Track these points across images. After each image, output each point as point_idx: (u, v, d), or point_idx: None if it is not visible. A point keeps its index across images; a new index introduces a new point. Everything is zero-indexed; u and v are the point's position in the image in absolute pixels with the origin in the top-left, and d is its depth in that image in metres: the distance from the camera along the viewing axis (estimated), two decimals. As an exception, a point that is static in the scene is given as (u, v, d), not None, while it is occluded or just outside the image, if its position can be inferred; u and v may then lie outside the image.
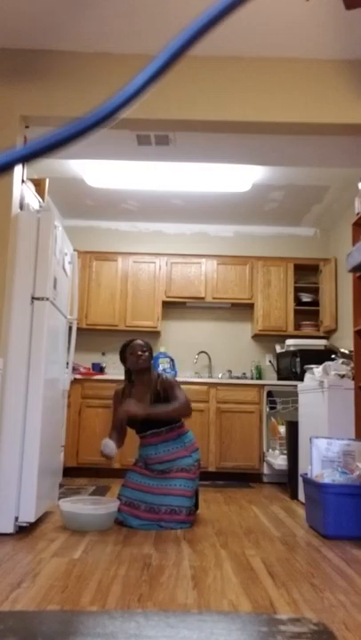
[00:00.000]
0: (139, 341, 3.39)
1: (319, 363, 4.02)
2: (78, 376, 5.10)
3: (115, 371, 5.71)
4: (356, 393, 3.52)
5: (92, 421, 5.02)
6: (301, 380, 4.43)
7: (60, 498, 3.50)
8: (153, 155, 3.93)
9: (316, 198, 5.17)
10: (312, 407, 3.85)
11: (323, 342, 5.41)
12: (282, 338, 5.63)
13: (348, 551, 2.65)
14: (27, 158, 0.47)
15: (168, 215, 5.74)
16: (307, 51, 3.10)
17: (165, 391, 3.27)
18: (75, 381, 5.00)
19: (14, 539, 2.69)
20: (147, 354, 3.34)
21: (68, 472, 4.86)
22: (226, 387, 5.15)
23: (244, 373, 5.75)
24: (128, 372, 3.41)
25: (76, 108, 3.10)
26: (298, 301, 5.67)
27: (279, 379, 5.51)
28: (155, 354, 5.59)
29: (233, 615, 1.77)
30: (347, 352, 3.95)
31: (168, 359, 5.51)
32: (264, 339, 5.84)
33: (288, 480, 4.28)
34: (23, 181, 3.21)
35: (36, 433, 2.85)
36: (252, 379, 5.64)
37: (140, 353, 3.31)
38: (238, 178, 4.70)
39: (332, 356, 4.19)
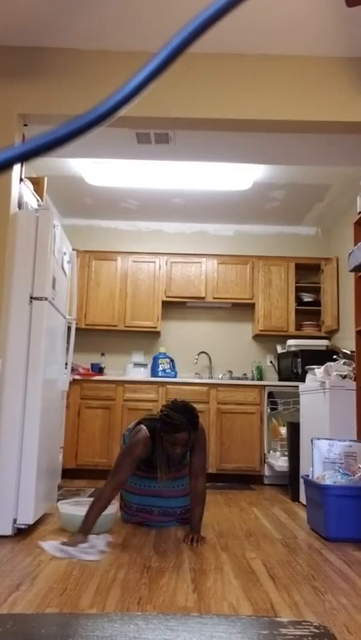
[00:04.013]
0: (184, 435, 2.76)
1: (321, 363, 4.00)
2: (77, 377, 5.08)
3: (114, 371, 5.69)
4: (358, 394, 3.50)
5: (92, 422, 5.01)
6: (303, 380, 4.41)
7: (58, 500, 3.49)
8: (153, 153, 3.92)
9: (318, 197, 5.16)
10: (313, 408, 3.84)
11: (324, 342, 5.40)
12: (283, 338, 5.61)
13: (350, 553, 2.63)
14: (25, 157, 0.46)
15: (168, 214, 5.72)
16: (308, 48, 3.08)
17: (194, 446, 2.91)
18: (74, 382, 4.98)
19: (13, 541, 2.67)
20: (188, 447, 2.83)
21: (67, 474, 4.83)
22: (226, 387, 5.14)
23: (245, 374, 5.73)
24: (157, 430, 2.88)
25: (74, 106, 3.08)
26: (299, 301, 5.65)
27: (280, 379, 5.49)
28: (155, 354, 5.59)
29: (233, 618, 1.75)
30: (348, 352, 3.93)
31: (168, 360, 5.49)
32: (265, 339, 5.82)
33: (289, 482, 4.26)
34: (21, 180, 3.19)
35: (35, 434, 2.84)
36: (252, 379, 5.62)
37: (179, 451, 2.81)
38: (239, 176, 4.68)
39: (334, 356, 4.17)
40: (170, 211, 5.61)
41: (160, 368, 5.42)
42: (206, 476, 2.98)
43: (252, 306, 5.74)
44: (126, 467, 2.77)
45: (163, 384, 5.11)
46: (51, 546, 2.50)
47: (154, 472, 2.95)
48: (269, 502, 4.05)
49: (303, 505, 3.68)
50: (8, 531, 2.73)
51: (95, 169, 4.59)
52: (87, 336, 5.76)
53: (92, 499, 3.26)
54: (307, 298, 5.68)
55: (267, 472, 4.93)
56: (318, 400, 3.73)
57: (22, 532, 2.81)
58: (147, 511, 3.08)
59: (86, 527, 2.59)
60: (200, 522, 2.86)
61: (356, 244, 3.55)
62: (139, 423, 3.01)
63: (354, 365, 3.66)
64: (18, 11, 2.84)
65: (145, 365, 5.55)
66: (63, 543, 2.51)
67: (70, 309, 3.74)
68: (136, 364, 5.55)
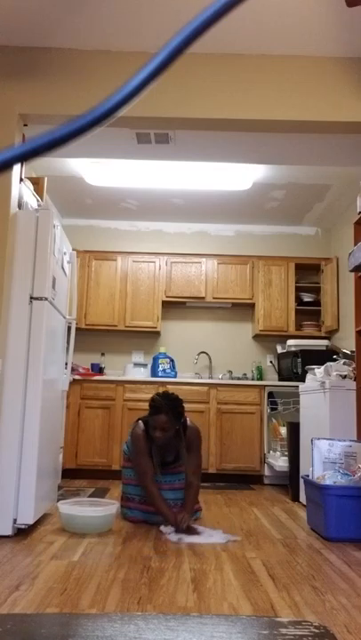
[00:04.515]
0: (162, 417, 2.97)
1: (321, 363, 4.00)
2: (77, 377, 5.08)
3: (114, 371, 5.69)
4: (358, 394, 3.50)
5: (92, 422, 5.01)
6: (303, 380, 4.41)
7: (58, 499, 3.49)
8: (153, 153, 3.92)
9: (318, 197, 5.16)
10: (313, 408, 3.84)
11: (324, 342, 5.39)
12: (283, 338, 5.61)
13: (350, 553, 2.63)
14: (25, 156, 0.46)
15: (168, 214, 5.72)
16: (308, 48, 3.08)
17: (189, 447, 3.11)
18: (74, 382, 4.98)
19: (12, 541, 2.67)
20: (168, 433, 3.00)
21: (67, 473, 4.84)
22: (226, 387, 5.13)
23: (245, 374, 5.73)
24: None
25: (75, 106, 3.08)
26: (299, 301, 5.66)
27: (280, 379, 5.49)
28: (155, 354, 5.59)
29: (233, 618, 1.75)
30: (348, 352, 3.93)
31: (168, 360, 5.49)
32: (265, 339, 5.82)
33: (289, 482, 4.26)
34: (21, 180, 3.19)
35: (35, 434, 2.84)
36: (252, 379, 5.63)
37: (159, 434, 2.99)
38: (239, 176, 4.68)
39: (334, 356, 4.17)
40: (170, 211, 5.61)
41: (160, 368, 5.42)
42: (201, 475, 3.16)
43: (252, 306, 5.74)
44: (144, 461, 3.00)
45: (163, 384, 5.11)
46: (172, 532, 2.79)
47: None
48: (269, 502, 4.05)
49: (303, 505, 3.68)
50: (8, 531, 2.73)
51: (95, 169, 4.59)
52: (87, 336, 5.76)
53: (92, 499, 3.28)
54: (307, 298, 5.68)
55: (267, 472, 4.93)
56: (318, 400, 3.73)
57: (22, 532, 2.81)
58: (149, 504, 3.10)
59: (171, 516, 2.88)
60: (192, 508, 3.04)
61: (356, 243, 3.55)
62: (137, 420, 3.21)
63: (354, 365, 3.66)
64: (18, 11, 2.84)
65: (145, 365, 5.55)
66: (178, 530, 2.82)
67: (70, 309, 3.74)
68: (136, 364, 5.55)
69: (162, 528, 2.90)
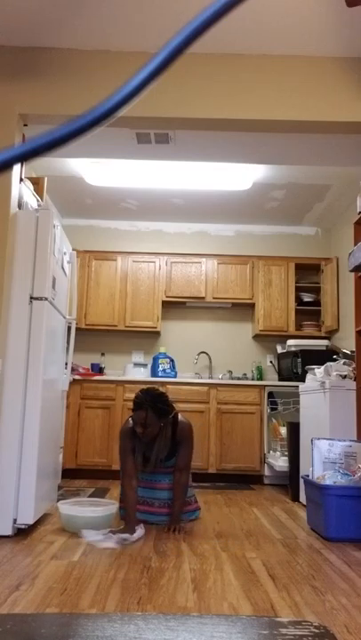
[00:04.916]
0: (142, 413, 2.95)
1: (321, 363, 4.00)
2: (77, 377, 5.08)
3: (114, 371, 5.69)
4: (358, 394, 3.50)
5: (92, 422, 5.01)
6: (303, 380, 4.41)
7: (58, 500, 3.49)
8: (153, 153, 3.92)
9: (318, 197, 5.16)
10: (313, 408, 3.84)
11: (324, 343, 5.39)
12: (283, 338, 5.61)
13: (350, 553, 2.63)
14: (25, 156, 0.46)
15: (168, 214, 5.72)
16: (308, 48, 3.08)
17: (180, 442, 3.10)
18: (74, 382, 4.98)
19: (12, 541, 2.67)
20: (149, 429, 2.97)
21: (67, 474, 4.84)
22: (226, 387, 5.13)
23: (245, 374, 5.73)
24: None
25: (75, 106, 3.08)
26: (299, 301, 5.66)
27: (280, 379, 5.49)
28: (155, 354, 5.59)
29: (233, 618, 1.75)
30: (348, 352, 3.94)
31: (168, 360, 5.49)
32: (265, 339, 5.82)
33: (289, 482, 4.26)
34: (21, 180, 3.19)
35: (35, 434, 2.84)
36: (252, 379, 5.62)
37: (140, 430, 2.98)
38: (239, 176, 4.68)
39: (334, 356, 4.17)
40: (170, 211, 5.61)
41: (160, 368, 5.42)
42: (191, 472, 3.18)
43: (252, 306, 5.74)
44: (127, 459, 3.00)
45: (163, 384, 5.11)
46: (96, 537, 2.67)
47: (146, 465, 3.09)
48: (269, 502, 4.05)
49: (303, 505, 3.68)
50: (8, 531, 2.73)
51: (95, 169, 4.59)
52: (87, 336, 5.76)
53: (92, 499, 3.28)
54: (307, 298, 5.68)
55: (267, 472, 4.93)
56: (318, 400, 3.73)
57: (22, 532, 2.81)
58: (148, 504, 3.12)
59: (132, 521, 2.83)
60: (180, 512, 3.05)
61: (356, 243, 3.55)
62: (128, 418, 3.23)
63: (354, 365, 3.66)
64: (18, 11, 2.84)
65: (145, 365, 5.55)
66: (111, 531, 2.73)
67: (70, 309, 3.74)
68: (136, 364, 5.55)
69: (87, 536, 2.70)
